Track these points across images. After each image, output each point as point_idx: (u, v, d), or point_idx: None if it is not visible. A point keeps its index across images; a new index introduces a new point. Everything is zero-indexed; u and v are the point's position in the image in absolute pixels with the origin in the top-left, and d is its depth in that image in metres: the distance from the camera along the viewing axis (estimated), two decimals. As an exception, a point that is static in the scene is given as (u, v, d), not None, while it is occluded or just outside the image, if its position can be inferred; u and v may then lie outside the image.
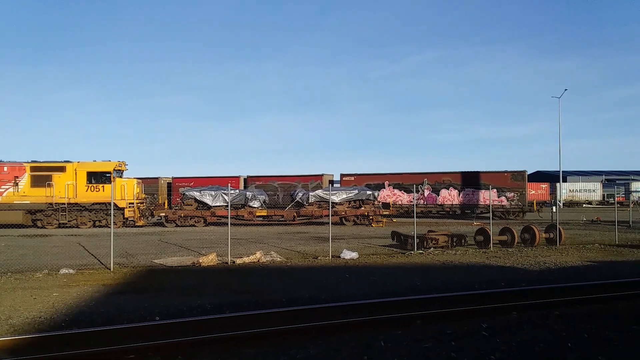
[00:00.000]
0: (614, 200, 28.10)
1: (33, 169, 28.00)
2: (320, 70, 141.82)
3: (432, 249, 16.66)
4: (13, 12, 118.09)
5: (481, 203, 36.61)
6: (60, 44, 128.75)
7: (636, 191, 59.00)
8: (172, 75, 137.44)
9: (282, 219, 29.77)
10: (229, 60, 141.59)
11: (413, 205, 18.06)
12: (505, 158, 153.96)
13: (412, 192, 34.21)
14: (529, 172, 38.98)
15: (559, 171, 52.47)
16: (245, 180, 42.49)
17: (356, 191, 30.38)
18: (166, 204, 34.55)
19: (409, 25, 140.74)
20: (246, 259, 14.04)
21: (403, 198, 38.56)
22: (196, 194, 29.18)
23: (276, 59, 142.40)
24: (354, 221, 29.63)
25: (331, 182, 40.24)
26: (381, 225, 28.88)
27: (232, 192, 28.73)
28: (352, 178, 39.64)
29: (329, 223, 17.13)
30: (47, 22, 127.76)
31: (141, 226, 28.42)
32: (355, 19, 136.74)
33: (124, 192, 27.54)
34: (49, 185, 27.36)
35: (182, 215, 28.91)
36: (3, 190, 27.67)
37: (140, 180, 30.55)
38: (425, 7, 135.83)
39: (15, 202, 27.36)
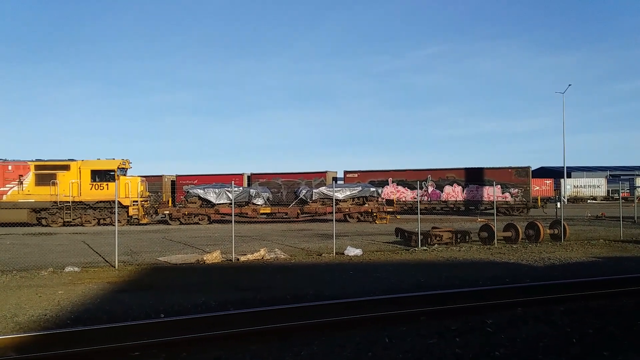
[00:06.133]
0: (619, 195, 27.94)
1: (37, 167, 28.13)
2: (322, 66, 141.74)
3: (436, 245, 16.64)
4: (14, 10, 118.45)
5: (485, 199, 36.55)
6: (62, 41, 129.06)
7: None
8: (174, 72, 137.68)
9: (286, 216, 29.82)
10: (231, 56, 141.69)
11: (417, 201, 18.00)
12: (509, 154, 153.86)
13: (415, 188, 34.22)
14: (533, 168, 38.90)
15: (563, 167, 52.30)
16: (248, 177, 42.54)
17: (360, 188, 30.40)
18: (170, 201, 34.71)
19: (412, 20, 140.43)
20: (250, 257, 14.06)
21: (407, 195, 38.55)
22: (200, 192, 29.27)
23: (278, 55, 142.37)
24: (358, 218, 29.64)
25: (334, 179, 40.24)
26: (385, 222, 28.87)
27: (236, 189, 28.79)
28: (356, 175, 39.66)
29: (332, 220, 17.13)
30: (49, 20, 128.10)
31: (145, 224, 28.51)
32: (358, 14, 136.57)
33: (128, 190, 27.64)
34: (54, 184, 27.47)
35: (186, 212, 29.00)
36: (8, 189, 27.80)
37: (144, 178, 30.63)
38: (428, 1, 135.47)
39: (19, 200, 27.50)
